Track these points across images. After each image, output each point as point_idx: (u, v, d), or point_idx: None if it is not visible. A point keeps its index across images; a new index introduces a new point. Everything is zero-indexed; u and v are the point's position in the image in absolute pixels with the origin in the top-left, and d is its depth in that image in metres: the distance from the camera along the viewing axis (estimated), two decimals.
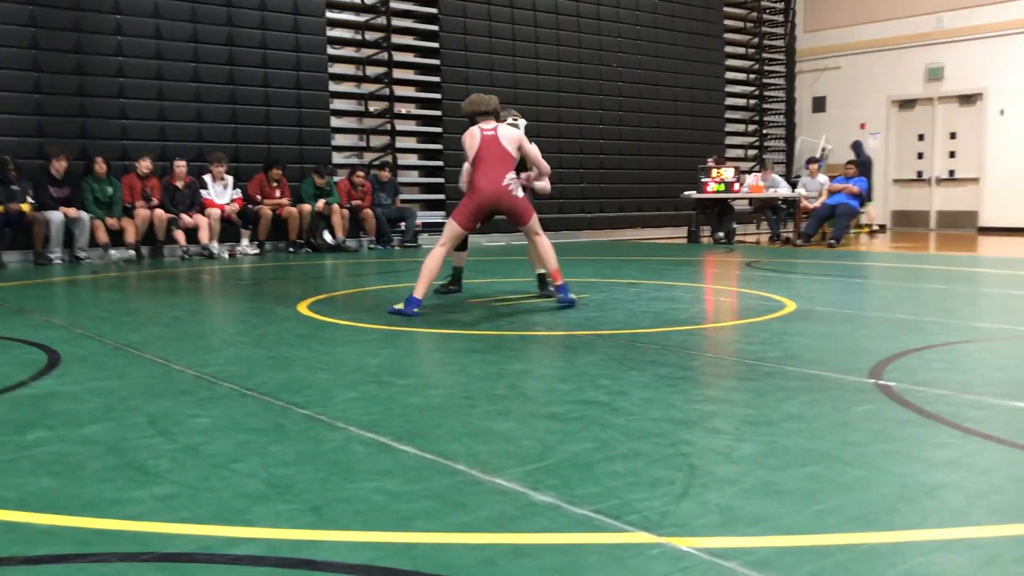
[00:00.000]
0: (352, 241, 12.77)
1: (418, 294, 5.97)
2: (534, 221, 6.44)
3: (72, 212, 10.50)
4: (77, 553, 2.07)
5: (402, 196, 13.60)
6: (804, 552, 2.05)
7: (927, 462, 2.70)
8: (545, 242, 6.47)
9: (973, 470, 2.63)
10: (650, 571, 1.95)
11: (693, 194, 14.30)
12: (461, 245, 7.10)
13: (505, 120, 6.62)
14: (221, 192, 11.75)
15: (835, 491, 2.45)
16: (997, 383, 3.86)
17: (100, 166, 10.78)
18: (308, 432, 3.10)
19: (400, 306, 5.96)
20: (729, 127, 18.48)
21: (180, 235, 11.22)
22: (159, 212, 11.09)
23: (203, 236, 11.36)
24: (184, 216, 11.26)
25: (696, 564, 1.98)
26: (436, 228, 14.03)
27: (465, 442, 2.95)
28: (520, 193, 6.25)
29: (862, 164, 15.44)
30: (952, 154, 17.65)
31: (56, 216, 10.37)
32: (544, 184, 6.96)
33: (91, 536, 2.19)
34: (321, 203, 12.20)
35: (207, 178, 11.67)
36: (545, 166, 6.73)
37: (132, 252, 10.93)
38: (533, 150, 6.55)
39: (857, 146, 16.76)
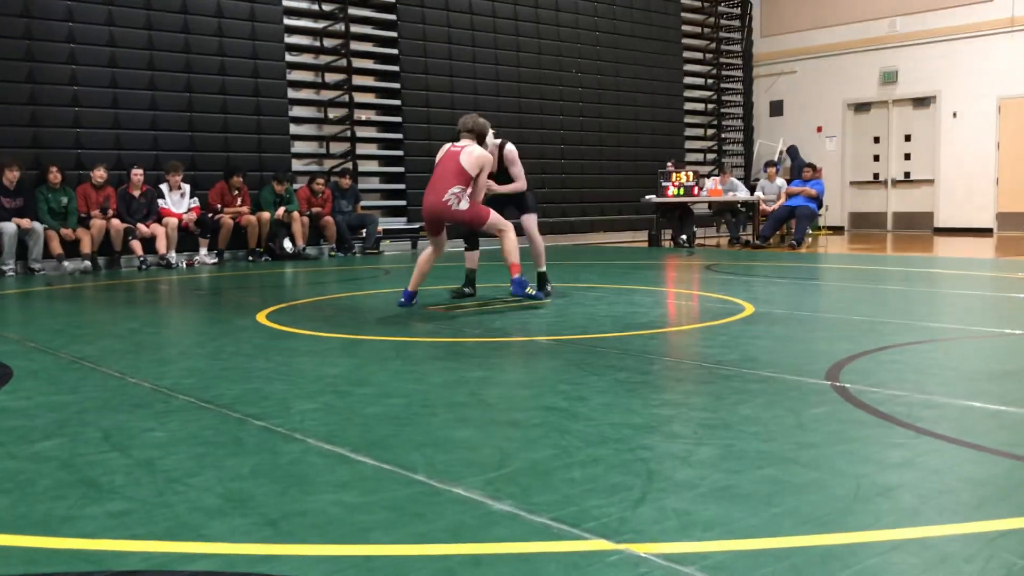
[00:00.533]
0: (312, 249, 12.68)
1: (410, 287, 6.53)
2: (493, 220, 6.58)
3: (25, 223, 10.31)
4: (26, 574, 2.03)
5: (363, 203, 13.54)
6: (760, 555, 2.06)
7: (881, 463, 2.74)
8: (511, 238, 6.64)
9: (926, 470, 2.67)
10: None
11: (653, 198, 14.39)
12: (472, 246, 7.24)
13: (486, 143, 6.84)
14: (178, 201, 11.61)
15: (791, 493, 2.47)
16: (950, 383, 3.92)
17: (54, 176, 10.61)
18: (265, 444, 3.07)
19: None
20: (688, 131, 18.63)
21: (137, 245, 11.07)
22: (115, 222, 10.93)
23: (160, 246, 11.21)
24: (141, 226, 11.11)
25: (653, 570, 1.99)
26: (398, 235, 14.00)
27: (424, 451, 2.94)
28: (463, 205, 6.38)
29: (796, 168, 15.76)
30: (907, 156, 17.94)
31: (9, 227, 10.18)
32: (494, 187, 7.11)
33: (42, 555, 2.15)
34: (281, 211, 12.11)
35: (164, 187, 11.53)
36: (518, 186, 7.18)
37: (87, 263, 10.75)
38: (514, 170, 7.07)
39: (792, 151, 17.12)
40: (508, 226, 6.71)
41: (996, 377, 4.06)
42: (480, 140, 6.71)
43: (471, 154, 6.49)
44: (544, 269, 7.26)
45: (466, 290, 7.27)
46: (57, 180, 10.64)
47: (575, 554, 2.10)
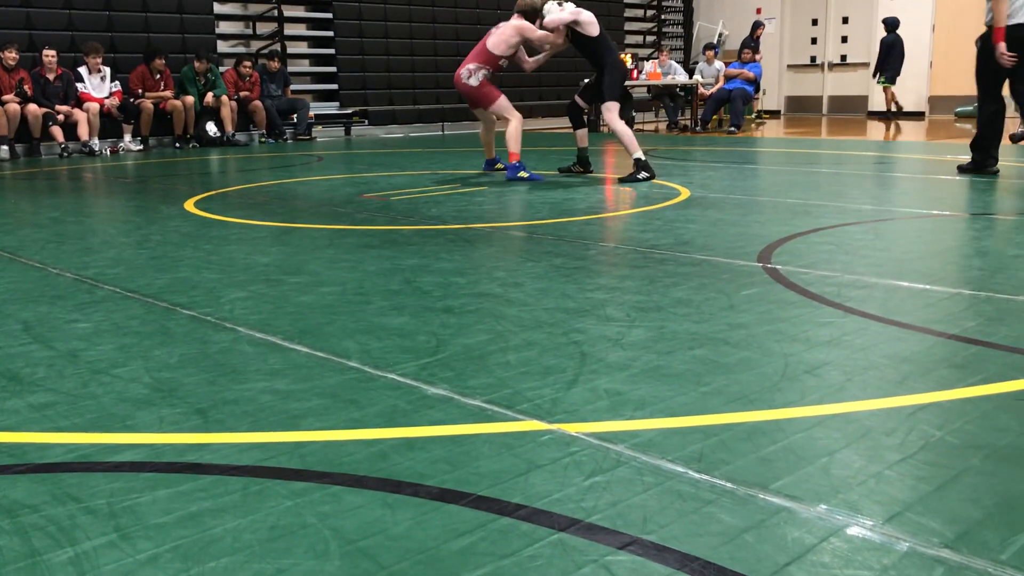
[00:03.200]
0: (242, 135, 12.32)
1: (488, 157, 7.61)
2: (498, 105, 7.10)
3: None
4: None
5: (293, 87, 13.11)
6: (688, 432, 2.10)
7: (809, 341, 2.79)
8: (514, 125, 7.22)
9: (852, 348, 2.73)
10: (539, 457, 1.97)
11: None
12: (578, 124, 7.77)
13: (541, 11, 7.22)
14: (99, 85, 11.11)
15: (720, 373, 2.51)
16: (879, 263, 3.99)
17: None
18: (194, 334, 3.01)
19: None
20: (627, 12, 18.28)
21: (57, 131, 10.61)
22: (32, 107, 10.43)
23: (82, 132, 10.78)
24: (61, 108, 10.62)
25: (584, 448, 2.01)
26: (329, 120, 13.65)
27: (358, 339, 2.91)
28: (474, 81, 6.90)
29: (889, 44, 15.22)
30: (844, 39, 17.91)
31: None
32: (544, 36, 7.36)
33: None
34: (209, 96, 11.67)
35: (83, 71, 11.00)
36: (546, 36, 7.36)
37: (4, 148, 10.30)
38: (539, 34, 7.29)
39: (889, 22, 15.69)
40: (514, 114, 7.28)
41: (923, 257, 4.15)
42: (530, 17, 7.10)
43: (499, 32, 7.13)
44: (638, 155, 7.27)
45: (574, 167, 7.52)
46: None
47: (508, 435, 2.11)
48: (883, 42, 15.44)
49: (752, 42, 15.36)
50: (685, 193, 6.29)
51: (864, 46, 17.44)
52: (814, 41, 18.27)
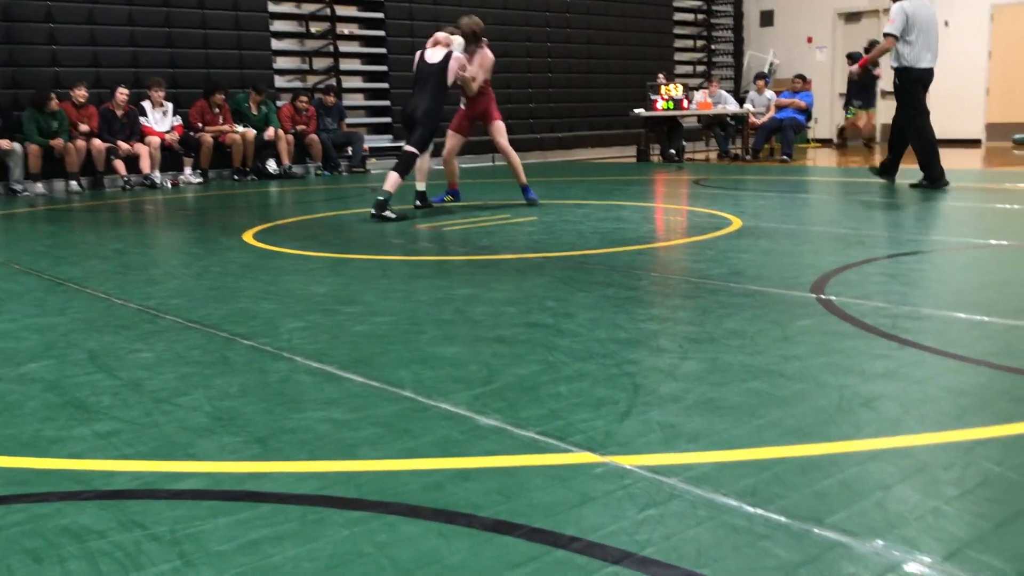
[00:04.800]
0: (298, 167, 12.55)
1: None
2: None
3: (5, 144, 10.15)
4: (17, 494, 2.05)
5: (348, 120, 13.35)
6: (742, 466, 2.09)
7: (864, 374, 2.77)
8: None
9: (908, 380, 2.69)
10: (593, 490, 1.98)
11: (642, 112, 14.23)
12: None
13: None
14: (160, 119, 11.42)
15: (774, 405, 2.50)
16: (934, 294, 3.94)
17: (54, 103, 10.37)
18: (253, 363, 3.07)
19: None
20: (678, 43, 18.32)
21: (120, 165, 10.92)
22: (96, 142, 10.76)
23: (144, 165, 11.07)
24: (123, 144, 10.94)
25: (637, 481, 2.02)
26: (383, 152, 13.84)
27: (411, 368, 2.95)
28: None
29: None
30: None
31: None
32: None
33: (31, 476, 2.16)
34: (270, 131, 11.93)
35: (146, 105, 11.32)
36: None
37: (72, 183, 10.63)
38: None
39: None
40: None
41: (980, 288, 4.09)
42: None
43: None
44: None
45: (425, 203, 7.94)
46: (55, 108, 10.43)
47: (561, 467, 2.12)
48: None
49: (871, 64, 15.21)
50: (737, 223, 6.27)
51: None
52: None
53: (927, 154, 8.70)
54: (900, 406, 2.48)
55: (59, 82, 10.95)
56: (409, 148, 7.25)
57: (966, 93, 16.47)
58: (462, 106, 7.90)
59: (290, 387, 2.80)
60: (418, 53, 7.49)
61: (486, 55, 7.66)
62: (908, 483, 1.98)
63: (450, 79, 7.28)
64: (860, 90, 14.67)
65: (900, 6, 8.52)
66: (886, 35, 8.62)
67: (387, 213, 6.94)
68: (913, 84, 8.64)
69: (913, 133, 8.73)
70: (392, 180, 7.08)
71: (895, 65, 8.67)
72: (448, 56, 7.27)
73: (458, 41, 7.39)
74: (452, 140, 7.94)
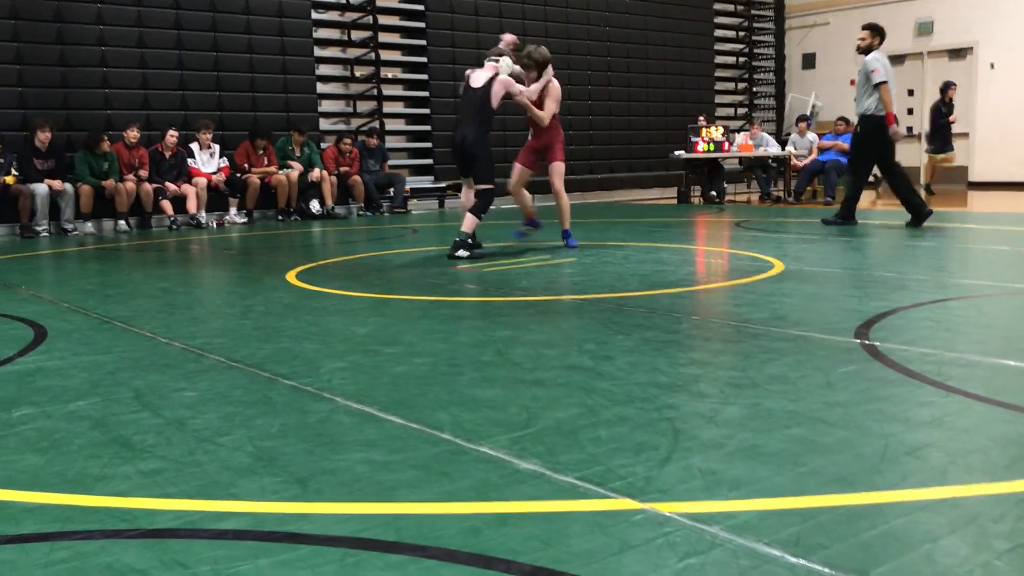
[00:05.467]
0: (341, 208, 12.72)
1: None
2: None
3: (57, 184, 10.42)
4: (61, 531, 2.08)
5: (390, 162, 13.54)
6: (785, 515, 2.06)
7: (910, 422, 2.72)
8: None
9: (955, 429, 2.64)
10: (633, 537, 1.96)
11: (682, 154, 14.25)
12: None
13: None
14: (208, 161, 11.67)
15: (818, 452, 2.46)
16: (981, 341, 3.87)
17: (105, 145, 10.68)
18: (294, 403, 3.10)
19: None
20: (719, 86, 18.37)
21: (167, 205, 11.16)
22: (145, 184, 11.02)
23: (191, 206, 11.30)
24: (170, 185, 11.18)
25: (678, 529, 2.00)
26: (424, 193, 13.99)
27: (450, 410, 2.95)
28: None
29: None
30: None
31: (41, 188, 10.30)
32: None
33: (76, 513, 2.19)
34: (316, 172, 12.13)
35: (194, 146, 11.58)
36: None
37: (120, 223, 10.87)
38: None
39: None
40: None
41: None
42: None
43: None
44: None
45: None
46: (107, 147, 10.73)
47: (600, 513, 2.10)
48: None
49: (944, 106, 14.65)
50: (779, 266, 6.23)
51: (964, 116, 17.09)
52: (911, 111, 17.98)
53: (910, 191, 9.25)
54: (947, 455, 2.43)
55: (111, 124, 11.25)
56: (482, 187, 7.17)
57: (1013, 136, 16.28)
58: (530, 137, 7.81)
59: (330, 428, 2.81)
60: (466, 76, 7.45)
61: (554, 85, 7.58)
62: (958, 535, 1.93)
63: (494, 102, 7.18)
64: (934, 135, 14.49)
65: (875, 57, 9.06)
66: (879, 84, 8.97)
67: (461, 253, 6.97)
68: (881, 130, 9.07)
69: (855, 180, 9.54)
70: (469, 221, 7.08)
71: (865, 113, 9.11)
72: (492, 79, 7.20)
73: (505, 63, 7.28)
74: (517, 172, 7.80)
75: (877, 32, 9.31)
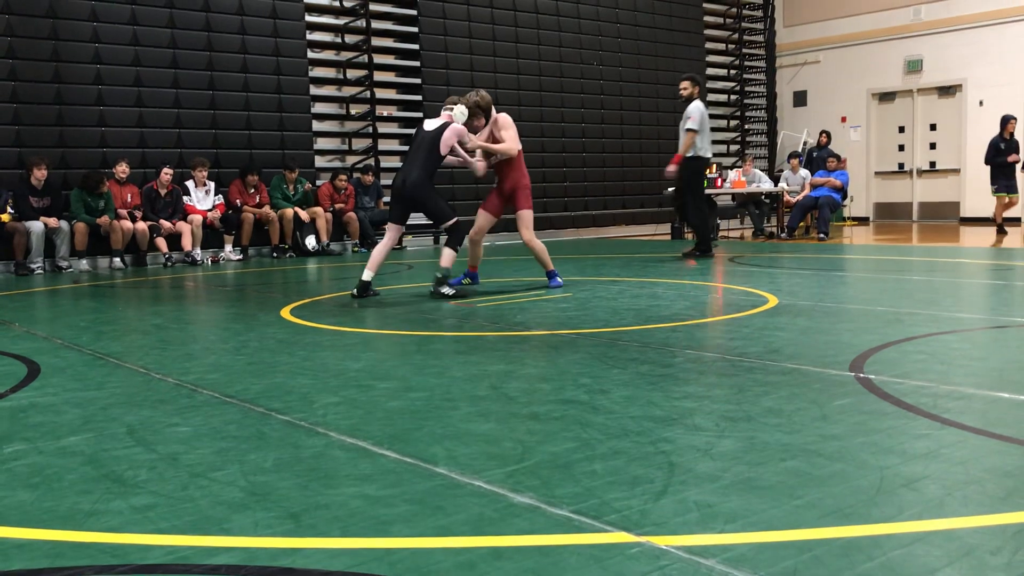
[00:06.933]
0: (336, 245, 12.75)
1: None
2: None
3: (53, 222, 10.44)
4: (52, 567, 2.06)
5: (385, 199, 13.58)
6: (781, 547, 2.05)
7: (905, 454, 2.71)
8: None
9: (951, 461, 2.64)
10: (628, 571, 1.95)
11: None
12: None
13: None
14: (203, 198, 11.71)
15: (814, 485, 2.46)
16: (975, 373, 3.88)
17: (104, 187, 10.70)
18: (288, 438, 3.08)
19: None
20: (711, 123, 18.49)
21: (162, 242, 11.18)
22: (140, 223, 11.05)
23: (186, 243, 11.31)
24: (165, 223, 11.20)
25: (674, 563, 1.98)
26: (419, 229, 14.02)
27: (445, 444, 2.94)
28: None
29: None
30: (932, 145, 17.75)
31: (36, 226, 10.31)
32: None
33: (67, 549, 2.17)
34: (304, 214, 12.19)
35: (189, 184, 11.63)
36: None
37: (115, 260, 10.87)
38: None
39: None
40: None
41: (1023, 368, 4.01)
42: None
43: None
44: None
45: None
46: (105, 190, 10.76)
47: (596, 547, 2.09)
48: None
49: (1003, 142, 13.62)
50: (773, 300, 6.24)
51: (954, 152, 17.25)
52: (901, 148, 18.15)
53: (707, 230, 10.54)
54: (943, 487, 2.42)
55: (106, 162, 11.30)
56: (448, 223, 7.01)
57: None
58: (495, 184, 7.71)
59: (324, 462, 2.80)
60: (421, 122, 7.36)
61: (502, 117, 7.41)
62: (955, 567, 1.92)
63: (443, 149, 6.96)
64: (998, 175, 13.67)
65: (695, 107, 10.25)
66: (688, 130, 10.22)
67: (445, 290, 6.93)
68: (701, 171, 10.54)
69: (697, 213, 10.53)
70: (447, 256, 6.94)
71: (690, 155, 10.28)
72: (446, 125, 7.06)
73: (459, 110, 7.14)
74: (482, 219, 7.58)
75: (697, 83, 10.51)
